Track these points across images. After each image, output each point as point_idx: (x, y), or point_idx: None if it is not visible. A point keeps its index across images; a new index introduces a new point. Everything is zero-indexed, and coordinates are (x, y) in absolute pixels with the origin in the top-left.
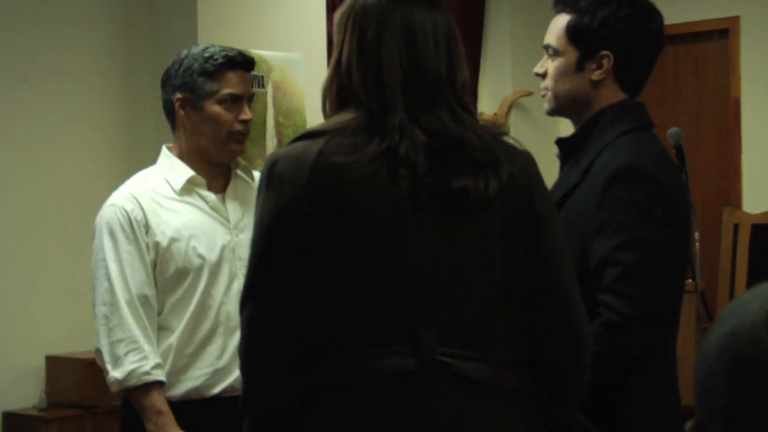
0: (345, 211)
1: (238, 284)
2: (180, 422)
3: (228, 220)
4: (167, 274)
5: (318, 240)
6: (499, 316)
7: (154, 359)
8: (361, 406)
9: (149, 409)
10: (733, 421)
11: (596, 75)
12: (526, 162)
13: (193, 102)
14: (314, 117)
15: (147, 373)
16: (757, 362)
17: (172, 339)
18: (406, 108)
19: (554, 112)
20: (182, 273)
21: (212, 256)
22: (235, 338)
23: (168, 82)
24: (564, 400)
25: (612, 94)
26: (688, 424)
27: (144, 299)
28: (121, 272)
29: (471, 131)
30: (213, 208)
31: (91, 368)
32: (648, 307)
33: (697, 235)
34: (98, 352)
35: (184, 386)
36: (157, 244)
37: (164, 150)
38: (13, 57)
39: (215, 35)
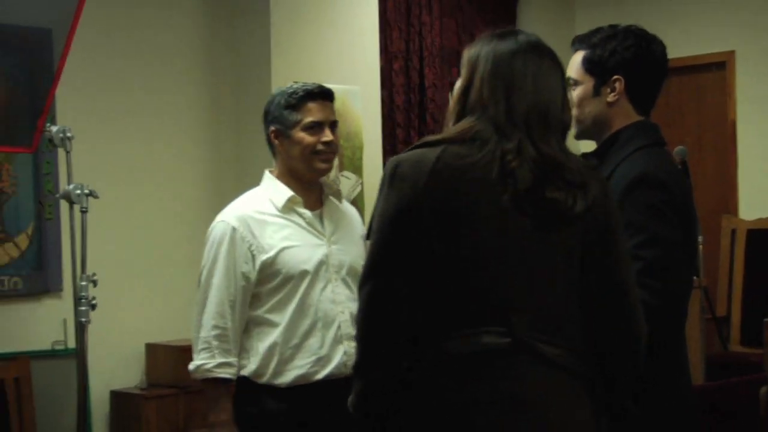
0: (457, 209)
1: (331, 288)
2: (290, 405)
3: (323, 234)
4: (274, 279)
5: (432, 232)
6: (575, 310)
7: (220, 358)
8: (461, 376)
9: (211, 400)
10: None
11: (611, 97)
12: (604, 187)
13: (283, 132)
14: (369, 139)
15: (209, 370)
16: None
17: (277, 334)
18: (527, 127)
19: (580, 135)
20: (287, 278)
21: (311, 264)
22: (332, 331)
23: (265, 118)
24: (620, 385)
25: (627, 115)
26: (764, 388)
27: (232, 304)
28: (217, 280)
29: (570, 159)
30: (309, 224)
31: (184, 354)
32: (668, 297)
33: (700, 238)
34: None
35: (291, 374)
36: (262, 255)
37: (267, 174)
38: (117, 92)
39: (287, 74)
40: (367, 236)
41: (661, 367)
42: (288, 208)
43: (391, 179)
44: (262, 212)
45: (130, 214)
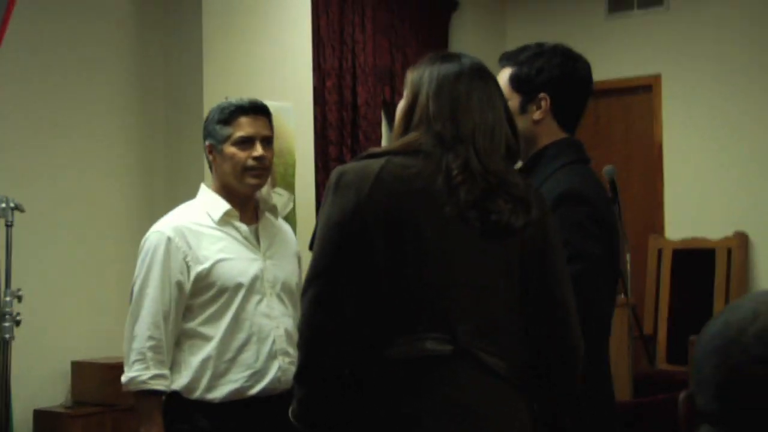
0: (401, 217)
1: (266, 302)
2: (223, 421)
3: (258, 249)
4: (208, 291)
5: (375, 239)
6: (515, 323)
7: (155, 370)
8: (403, 382)
9: (144, 414)
10: (719, 392)
11: (537, 115)
12: (543, 203)
13: (215, 146)
14: (302, 156)
15: (144, 382)
16: (740, 345)
17: (211, 348)
18: (473, 143)
19: None
20: (221, 291)
21: (246, 278)
22: (267, 346)
23: (203, 133)
24: (559, 400)
25: (553, 132)
26: (682, 394)
27: (166, 315)
28: (152, 290)
29: (514, 176)
30: (245, 238)
31: (112, 371)
32: (591, 312)
33: (628, 257)
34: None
35: (225, 388)
36: (197, 266)
37: (203, 187)
38: (44, 105)
39: (219, 89)
40: (311, 245)
41: (585, 379)
42: (224, 221)
43: (336, 187)
44: (198, 224)
45: (57, 230)
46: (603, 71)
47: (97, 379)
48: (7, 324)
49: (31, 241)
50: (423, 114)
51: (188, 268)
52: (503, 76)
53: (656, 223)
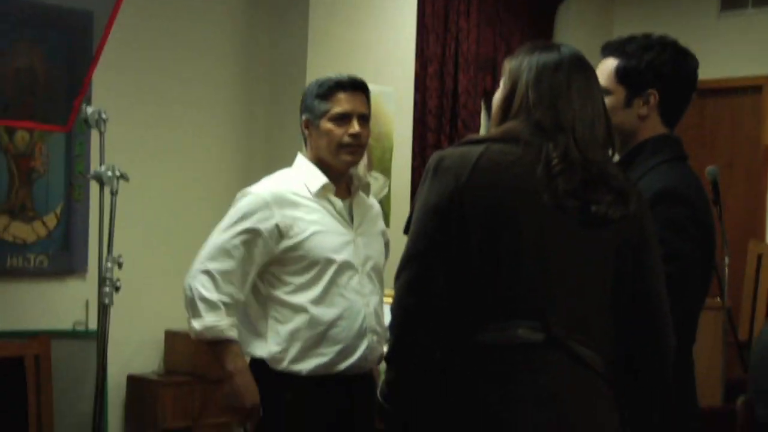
0: (499, 204)
1: (357, 279)
2: (308, 394)
3: (351, 225)
4: (301, 262)
5: (472, 225)
6: (607, 317)
7: (229, 318)
8: (494, 368)
9: (228, 355)
10: None
11: (643, 110)
12: (641, 198)
13: (312, 122)
14: (400, 141)
15: (222, 330)
16: None
17: (302, 319)
18: (573, 133)
19: None
20: (313, 263)
21: (339, 253)
22: (357, 323)
23: (300, 107)
24: (647, 397)
25: (655, 127)
26: (740, 400)
27: (244, 271)
28: (230, 248)
29: (614, 168)
30: (339, 213)
31: (202, 343)
32: (682, 314)
33: (726, 260)
34: (185, 293)
35: (313, 362)
36: (291, 236)
37: (301, 157)
38: (153, 78)
39: (322, 71)
40: (406, 229)
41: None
42: (321, 194)
43: (435, 171)
44: (296, 193)
45: (159, 199)
46: (711, 70)
47: (188, 350)
48: (107, 289)
49: (134, 209)
50: (522, 102)
51: (280, 236)
52: (606, 67)
53: (757, 228)
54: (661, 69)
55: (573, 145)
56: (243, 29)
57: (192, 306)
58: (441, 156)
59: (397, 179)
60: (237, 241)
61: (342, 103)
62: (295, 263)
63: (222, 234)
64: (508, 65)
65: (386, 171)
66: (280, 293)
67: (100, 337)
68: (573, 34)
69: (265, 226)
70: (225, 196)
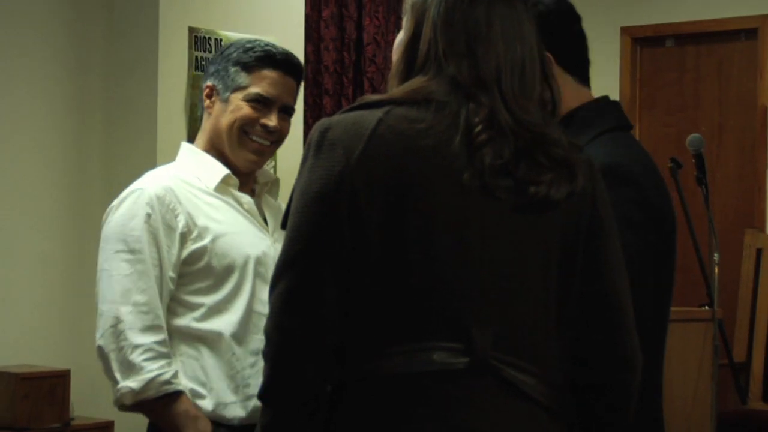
0: (403, 187)
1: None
2: None
3: (267, 227)
4: (213, 271)
5: (369, 216)
6: (552, 329)
7: (173, 366)
8: (401, 404)
9: (183, 415)
10: None
11: None
12: (591, 168)
13: (220, 91)
14: None
15: (169, 381)
16: None
17: (225, 349)
18: (498, 88)
19: None
20: (228, 271)
21: (256, 258)
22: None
23: (207, 67)
24: (608, 425)
25: (576, 92)
26: None
27: (153, 301)
28: (140, 267)
29: (554, 130)
30: (249, 212)
31: (24, 384)
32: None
33: (716, 257)
34: (103, 357)
35: (250, 404)
36: (194, 241)
37: (186, 146)
38: None
39: (179, 17)
40: (283, 224)
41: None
42: (222, 188)
43: (318, 147)
44: (191, 186)
45: None
46: (693, 11)
47: (5, 392)
48: None
49: None
50: (430, 50)
51: (182, 241)
52: None
53: (756, 214)
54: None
55: (500, 105)
56: None
57: (120, 363)
58: (326, 125)
59: (285, 160)
60: (136, 260)
61: (266, 84)
62: (201, 278)
63: (113, 263)
64: (411, 1)
65: None
66: (186, 321)
67: None
68: None
69: (164, 234)
70: (41, 199)
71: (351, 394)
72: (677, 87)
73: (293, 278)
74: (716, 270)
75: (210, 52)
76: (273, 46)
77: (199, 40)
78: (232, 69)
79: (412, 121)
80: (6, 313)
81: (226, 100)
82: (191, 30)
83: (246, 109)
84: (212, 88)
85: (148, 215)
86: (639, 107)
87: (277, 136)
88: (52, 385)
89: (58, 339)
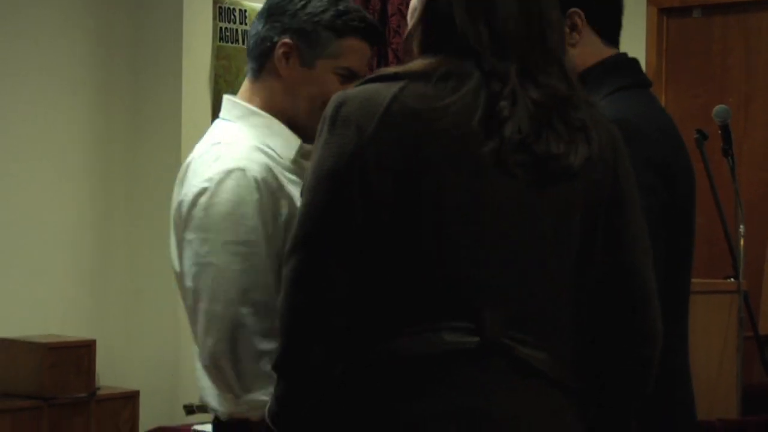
0: (416, 166)
1: None
2: None
3: None
4: None
5: (380, 196)
6: (568, 303)
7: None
8: (412, 384)
9: None
10: None
11: (572, 38)
12: (613, 135)
13: (304, 56)
14: None
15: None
16: None
17: None
18: (520, 55)
19: None
20: None
21: None
22: None
23: (277, 18)
24: (623, 402)
25: (597, 50)
26: None
27: (273, 302)
28: (255, 261)
29: (575, 91)
30: None
31: (50, 354)
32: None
33: (742, 228)
34: (218, 366)
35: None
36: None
37: (241, 104)
38: None
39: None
40: (301, 194)
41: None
42: (296, 161)
43: (332, 123)
44: (273, 160)
45: None
46: None
47: (30, 364)
48: None
49: None
50: (445, 17)
51: (286, 230)
52: None
53: None
54: None
55: (522, 76)
56: None
57: (244, 373)
58: (340, 100)
59: None
60: (251, 253)
61: (357, 57)
62: None
63: (221, 256)
64: None
65: None
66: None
67: None
68: None
69: (271, 213)
70: (68, 170)
71: (362, 374)
72: (704, 58)
73: (302, 258)
74: (742, 242)
75: (234, 22)
76: (363, 12)
77: (223, 11)
78: (324, 33)
79: (428, 99)
80: (32, 284)
81: (311, 66)
82: (216, 0)
83: (336, 85)
84: (292, 47)
85: (258, 201)
86: (665, 79)
87: None
88: (78, 355)
89: (83, 310)
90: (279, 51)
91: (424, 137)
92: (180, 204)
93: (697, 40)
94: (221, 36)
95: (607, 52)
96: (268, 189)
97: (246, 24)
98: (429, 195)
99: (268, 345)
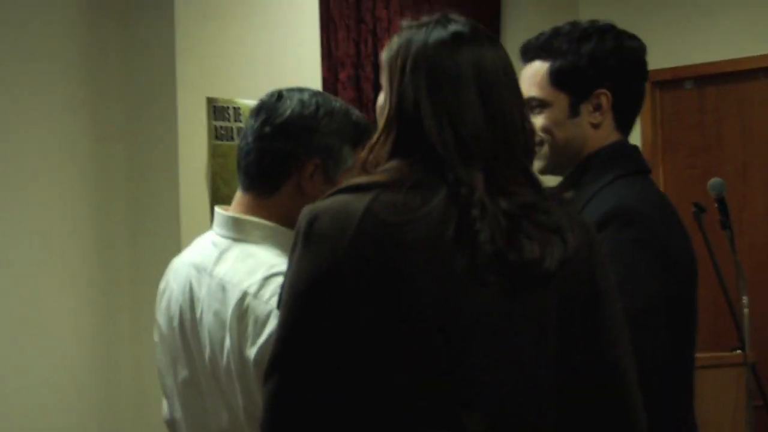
0: (391, 279)
1: None
2: None
3: None
4: None
5: (358, 310)
6: (549, 400)
7: None
8: None
9: None
10: None
11: (595, 117)
12: (588, 231)
13: (330, 172)
14: None
15: None
16: None
17: None
18: (485, 161)
19: (552, 169)
20: None
21: None
22: None
23: (302, 136)
24: None
25: (607, 135)
26: None
27: None
28: None
29: (541, 194)
30: None
31: None
32: (641, 372)
33: (745, 300)
34: None
35: None
36: None
37: (262, 223)
38: None
39: (197, 83)
40: (278, 304)
41: None
42: None
43: (306, 237)
44: None
45: None
46: (712, 51)
47: None
48: None
49: None
50: (410, 117)
51: None
52: (535, 73)
53: None
54: (606, 61)
55: (492, 185)
56: (87, 40)
57: None
58: (313, 214)
59: None
60: None
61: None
62: None
63: None
64: (385, 54)
65: None
66: None
67: None
68: (527, 18)
69: None
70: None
71: None
72: (699, 128)
73: (282, 375)
74: (746, 312)
75: (228, 121)
76: (357, 113)
77: (217, 110)
78: (345, 148)
79: (400, 211)
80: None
81: (334, 181)
82: (209, 100)
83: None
84: (320, 167)
85: None
86: (661, 150)
87: None
88: None
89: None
90: (308, 170)
91: (397, 249)
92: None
93: (691, 112)
94: (216, 134)
95: (614, 137)
96: None
97: (240, 121)
98: (405, 306)
99: None
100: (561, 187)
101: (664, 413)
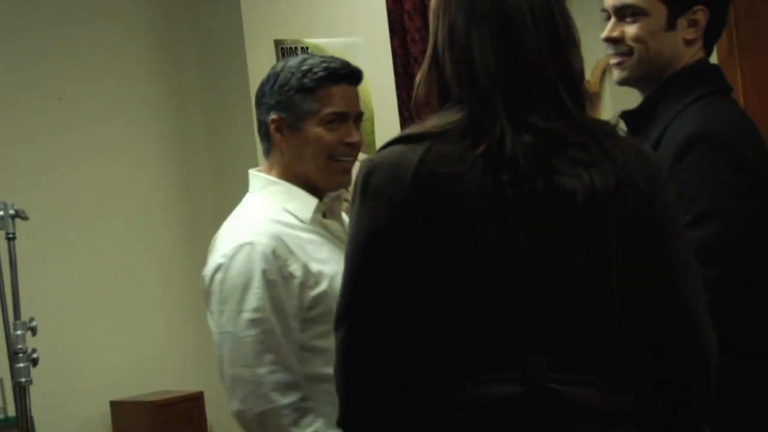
0: (447, 229)
1: None
2: None
3: None
4: (327, 319)
5: (417, 259)
6: (615, 333)
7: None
8: None
9: None
10: None
11: (689, 33)
12: (648, 163)
13: (291, 123)
14: (382, 107)
15: None
16: None
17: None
18: (506, 107)
19: (635, 80)
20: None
21: None
22: None
23: (262, 101)
24: (688, 420)
25: (695, 53)
26: None
27: (286, 360)
28: (267, 326)
29: (579, 126)
30: (338, 239)
31: (160, 412)
32: (731, 291)
33: None
34: (245, 421)
35: None
36: (313, 288)
37: (262, 176)
38: (47, 75)
39: (263, 27)
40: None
41: (740, 384)
42: (315, 219)
43: (363, 192)
44: (289, 226)
45: (73, 240)
46: None
47: (142, 420)
48: (21, 365)
49: (40, 256)
50: (444, 82)
51: (301, 293)
52: None
53: None
54: None
55: (509, 124)
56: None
57: (268, 427)
58: (369, 169)
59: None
60: (262, 319)
61: (337, 102)
62: (321, 322)
63: (237, 324)
64: (431, 5)
65: (369, 149)
66: (317, 366)
67: (22, 424)
68: None
69: (285, 290)
70: (161, 221)
71: (414, 428)
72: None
73: (352, 323)
74: None
75: None
76: (328, 59)
77: (285, 51)
78: (297, 97)
79: (452, 163)
80: (132, 340)
81: (300, 130)
82: (277, 42)
83: (327, 135)
84: (280, 121)
85: (265, 271)
86: (738, 52)
87: (359, 149)
88: (188, 409)
89: (185, 362)
90: (272, 128)
91: (451, 201)
92: (203, 279)
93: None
94: None
95: (699, 55)
96: (279, 259)
97: None
98: (462, 254)
99: (286, 399)
100: (640, 109)
101: (760, 345)
